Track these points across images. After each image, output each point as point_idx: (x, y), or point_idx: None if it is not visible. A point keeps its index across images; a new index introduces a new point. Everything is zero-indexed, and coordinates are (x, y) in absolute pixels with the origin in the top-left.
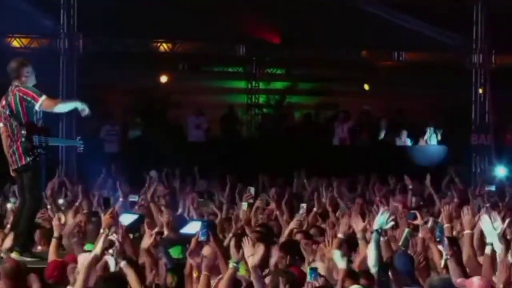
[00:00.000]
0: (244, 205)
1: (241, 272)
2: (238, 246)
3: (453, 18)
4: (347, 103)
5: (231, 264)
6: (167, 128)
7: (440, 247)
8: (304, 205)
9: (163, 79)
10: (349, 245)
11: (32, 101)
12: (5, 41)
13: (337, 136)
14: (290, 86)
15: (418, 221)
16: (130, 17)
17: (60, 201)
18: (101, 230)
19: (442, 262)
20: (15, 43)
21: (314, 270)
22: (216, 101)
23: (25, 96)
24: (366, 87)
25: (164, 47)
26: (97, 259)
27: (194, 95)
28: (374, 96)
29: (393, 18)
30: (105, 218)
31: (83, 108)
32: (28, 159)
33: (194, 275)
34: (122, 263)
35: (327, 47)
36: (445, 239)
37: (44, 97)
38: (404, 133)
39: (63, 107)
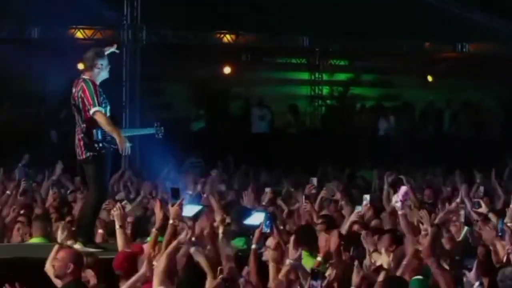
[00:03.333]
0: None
1: (308, 263)
2: (297, 244)
3: None
4: (410, 94)
5: (289, 261)
6: (230, 120)
7: (503, 242)
8: (367, 196)
9: (226, 70)
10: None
11: (88, 106)
12: (69, 32)
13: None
14: (353, 78)
15: (483, 209)
16: (193, 9)
17: (121, 195)
18: (170, 221)
19: (505, 257)
20: (79, 34)
21: (318, 274)
22: (279, 93)
23: (84, 97)
24: (430, 78)
25: (227, 38)
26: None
27: (257, 87)
28: (437, 88)
29: (456, 9)
30: (174, 209)
31: (123, 146)
32: (88, 153)
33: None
34: (192, 249)
35: (391, 39)
36: (507, 233)
37: (97, 108)
38: None
39: (107, 129)
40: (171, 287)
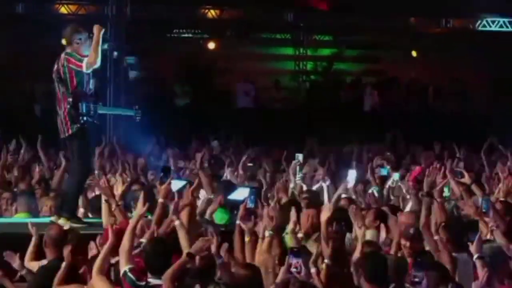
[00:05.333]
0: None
1: (289, 241)
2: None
3: None
4: (395, 70)
5: (267, 233)
6: (215, 95)
7: (486, 219)
8: (352, 171)
9: (211, 45)
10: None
11: (78, 68)
12: (54, 8)
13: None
14: (337, 53)
15: (466, 179)
16: None
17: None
18: (160, 200)
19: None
20: (63, 10)
21: (296, 252)
22: (263, 68)
23: (72, 66)
24: (414, 53)
25: (211, 13)
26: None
27: (242, 62)
28: (421, 63)
29: None
30: (164, 187)
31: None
32: (74, 127)
33: (247, 239)
34: (177, 222)
35: (375, 14)
36: (491, 211)
37: (85, 59)
38: None
39: (97, 50)
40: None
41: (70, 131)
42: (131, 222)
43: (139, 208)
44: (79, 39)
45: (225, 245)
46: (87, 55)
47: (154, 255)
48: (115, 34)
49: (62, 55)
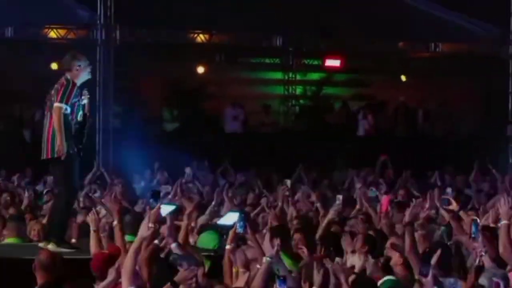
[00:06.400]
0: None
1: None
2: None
3: (489, 8)
4: (384, 94)
5: (265, 259)
6: (204, 120)
7: (475, 244)
8: (340, 197)
9: (200, 70)
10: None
11: (54, 99)
12: (42, 32)
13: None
14: (326, 77)
15: (454, 207)
16: (167, 8)
17: (97, 194)
18: (150, 224)
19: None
20: (52, 34)
21: (282, 279)
22: (252, 92)
23: (59, 92)
24: (403, 78)
25: (201, 38)
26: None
27: (231, 86)
28: (410, 87)
29: (429, 9)
30: (153, 212)
31: (60, 150)
32: (55, 154)
33: (234, 270)
34: (173, 245)
35: (364, 38)
36: (480, 236)
37: (59, 105)
38: None
39: (56, 127)
40: (140, 284)
41: (50, 155)
42: (134, 244)
43: (143, 230)
44: (79, 66)
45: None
46: (85, 81)
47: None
48: (104, 59)
49: (62, 79)
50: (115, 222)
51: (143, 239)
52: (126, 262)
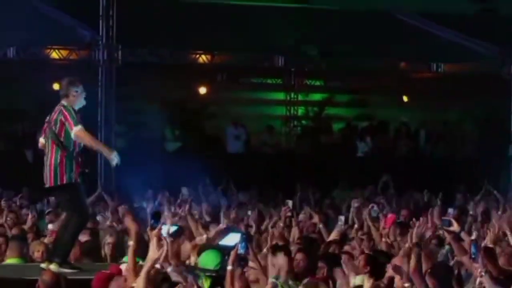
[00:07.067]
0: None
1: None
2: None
3: (489, 29)
4: (385, 114)
5: (271, 279)
6: (205, 140)
7: (475, 264)
8: (342, 217)
9: (202, 90)
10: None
11: (69, 128)
12: (44, 52)
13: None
14: (328, 98)
15: (455, 228)
16: (169, 29)
17: (98, 217)
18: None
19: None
20: (54, 55)
21: None
22: (254, 113)
23: (64, 120)
24: (405, 98)
25: (202, 58)
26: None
27: (233, 107)
28: (412, 108)
29: (430, 29)
30: (155, 233)
31: (112, 158)
32: (59, 182)
33: None
34: (169, 269)
35: (366, 59)
36: (480, 257)
37: (79, 127)
38: None
39: (92, 145)
40: None
41: (53, 184)
42: (145, 267)
43: (153, 251)
44: (76, 92)
45: None
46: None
47: None
48: (105, 79)
49: (60, 107)
50: (130, 242)
51: (154, 261)
52: (139, 284)
